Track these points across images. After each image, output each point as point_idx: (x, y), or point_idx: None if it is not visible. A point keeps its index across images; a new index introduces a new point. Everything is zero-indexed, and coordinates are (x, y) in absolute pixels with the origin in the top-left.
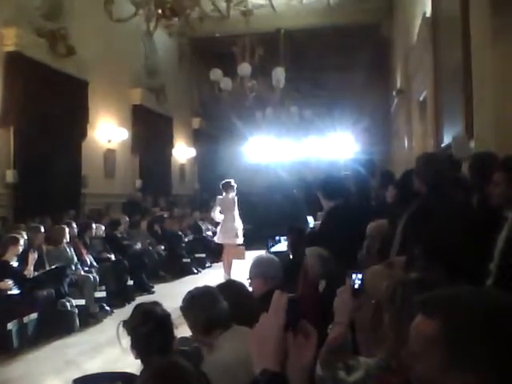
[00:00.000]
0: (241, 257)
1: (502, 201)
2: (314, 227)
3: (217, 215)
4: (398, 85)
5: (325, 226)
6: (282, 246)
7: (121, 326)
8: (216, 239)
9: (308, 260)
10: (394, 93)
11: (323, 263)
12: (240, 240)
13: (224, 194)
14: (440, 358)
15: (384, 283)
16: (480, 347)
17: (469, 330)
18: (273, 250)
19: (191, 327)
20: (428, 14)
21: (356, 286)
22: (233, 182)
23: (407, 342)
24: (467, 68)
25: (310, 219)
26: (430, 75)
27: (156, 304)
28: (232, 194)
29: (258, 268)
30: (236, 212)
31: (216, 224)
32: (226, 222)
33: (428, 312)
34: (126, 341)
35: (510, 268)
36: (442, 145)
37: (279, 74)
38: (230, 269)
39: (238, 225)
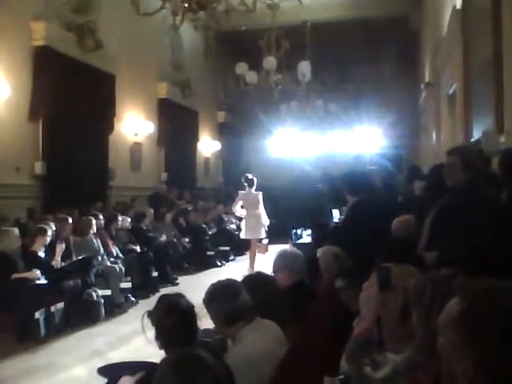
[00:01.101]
0: (264, 251)
1: None
2: (338, 222)
3: (238, 209)
4: (427, 78)
5: (348, 221)
6: (306, 239)
7: (145, 316)
8: (241, 235)
9: (321, 260)
10: (422, 86)
11: (338, 261)
12: (264, 235)
13: (247, 188)
14: (453, 337)
15: (412, 279)
16: (488, 342)
17: (485, 323)
18: (298, 242)
19: (214, 319)
20: (458, 6)
21: (383, 281)
22: (251, 176)
23: (436, 340)
24: (498, 61)
25: (336, 212)
26: (460, 68)
27: (180, 295)
28: (255, 190)
29: (282, 261)
30: (261, 208)
31: (240, 218)
32: (251, 218)
33: (461, 295)
34: (151, 331)
35: None
36: (472, 139)
37: (305, 68)
38: (254, 262)
39: (264, 220)
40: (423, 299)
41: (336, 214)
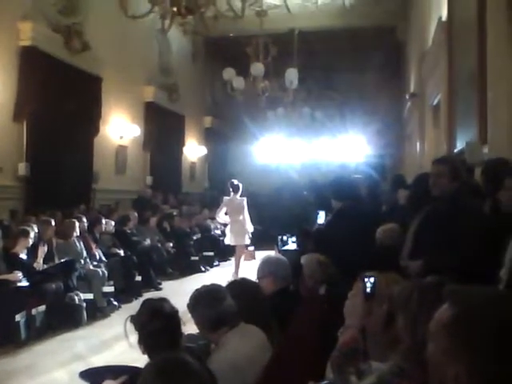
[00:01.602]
0: (251, 258)
1: (507, 207)
2: (321, 224)
3: (221, 216)
4: (412, 88)
5: (332, 226)
6: (291, 246)
7: (128, 321)
8: (226, 240)
9: (305, 267)
10: (407, 96)
11: (322, 268)
12: (249, 241)
13: (232, 194)
14: (445, 342)
15: (397, 287)
16: (481, 346)
17: (478, 328)
18: (283, 249)
19: (198, 324)
20: (444, 18)
21: (368, 290)
22: (236, 182)
23: (423, 347)
24: (482, 73)
25: (322, 214)
26: (444, 79)
27: (164, 300)
28: (239, 196)
29: (267, 267)
30: (246, 214)
31: (224, 224)
32: (236, 223)
33: (452, 300)
34: (134, 336)
35: None
36: (455, 150)
37: (292, 75)
38: (238, 268)
39: (248, 227)
40: (409, 305)
41: (322, 216)
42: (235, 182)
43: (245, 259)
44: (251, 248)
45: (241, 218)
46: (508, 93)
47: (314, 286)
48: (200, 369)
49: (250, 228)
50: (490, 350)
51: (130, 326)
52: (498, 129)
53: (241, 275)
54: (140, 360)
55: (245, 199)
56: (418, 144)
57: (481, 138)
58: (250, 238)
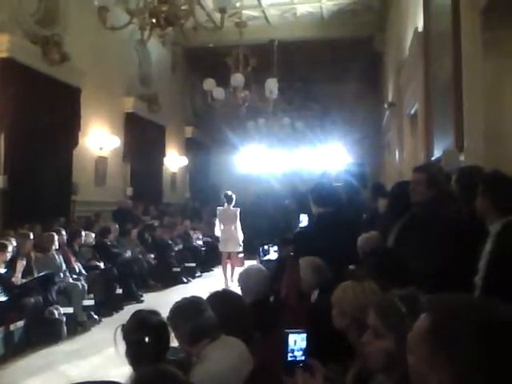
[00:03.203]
0: (241, 264)
1: (480, 214)
2: (302, 227)
3: (217, 231)
4: (390, 98)
5: (312, 230)
6: (273, 255)
7: (119, 330)
8: (220, 248)
9: (301, 270)
10: (386, 105)
11: (318, 273)
12: (240, 248)
13: (226, 205)
14: (425, 352)
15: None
16: (460, 349)
17: (456, 335)
18: (264, 258)
19: (178, 337)
20: (420, 29)
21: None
22: (230, 193)
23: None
24: (458, 81)
25: (304, 217)
26: (421, 89)
27: (153, 313)
28: (232, 206)
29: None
30: (238, 223)
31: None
32: (229, 232)
33: (428, 308)
34: (122, 345)
35: (495, 281)
36: (433, 158)
37: (272, 85)
38: (233, 275)
39: (240, 235)
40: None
41: (304, 220)
42: (229, 193)
43: (236, 265)
44: (241, 255)
45: (233, 226)
46: (484, 100)
47: (307, 290)
48: (186, 381)
49: (241, 236)
50: (471, 354)
51: (119, 336)
52: (474, 137)
53: (226, 284)
54: (120, 375)
55: (238, 209)
56: (396, 152)
57: (457, 146)
58: (240, 245)
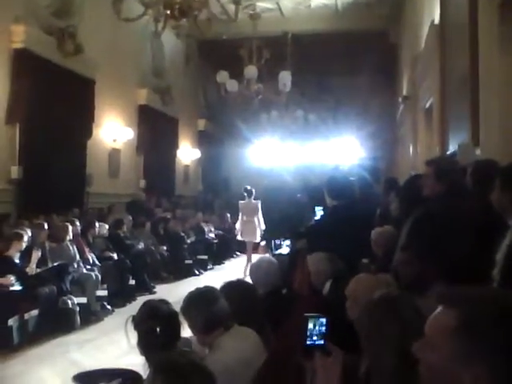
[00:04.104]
0: (265, 252)
1: (498, 208)
2: (316, 220)
3: (238, 224)
4: (404, 91)
5: (326, 223)
6: (285, 249)
7: (129, 321)
8: (238, 237)
9: (312, 264)
10: (400, 99)
11: (331, 262)
12: (259, 238)
13: (247, 198)
14: (455, 348)
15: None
16: (495, 342)
17: (486, 324)
18: (276, 252)
19: (191, 327)
20: (436, 22)
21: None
22: (249, 187)
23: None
24: (474, 75)
25: (319, 210)
26: (437, 82)
27: (163, 302)
28: (253, 199)
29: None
30: (260, 215)
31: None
32: (251, 223)
33: (449, 303)
34: (134, 337)
35: None
36: (448, 152)
37: (285, 78)
38: (250, 261)
39: (261, 226)
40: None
41: (318, 212)
42: (248, 187)
43: (259, 252)
44: (263, 243)
45: (255, 218)
46: (500, 95)
47: (318, 283)
48: (203, 368)
49: (263, 226)
50: (506, 346)
51: (131, 327)
52: (491, 131)
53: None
54: (133, 364)
55: (259, 202)
56: (410, 146)
57: (473, 141)
58: (261, 235)
